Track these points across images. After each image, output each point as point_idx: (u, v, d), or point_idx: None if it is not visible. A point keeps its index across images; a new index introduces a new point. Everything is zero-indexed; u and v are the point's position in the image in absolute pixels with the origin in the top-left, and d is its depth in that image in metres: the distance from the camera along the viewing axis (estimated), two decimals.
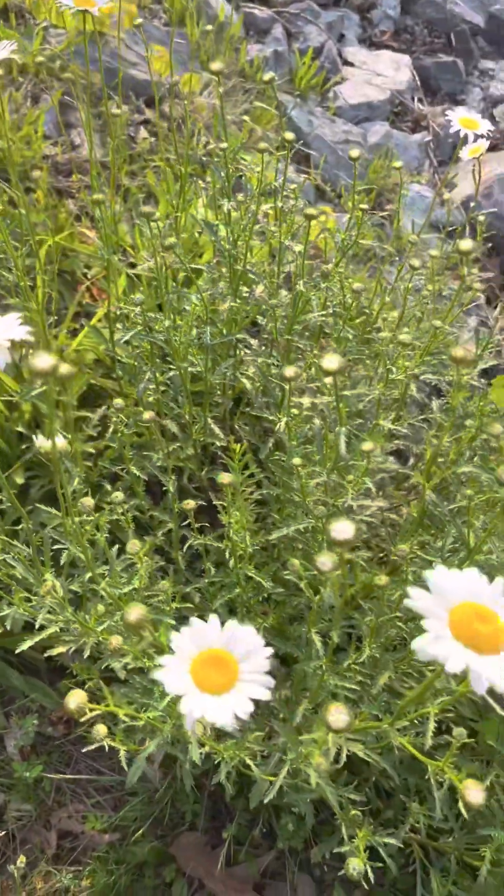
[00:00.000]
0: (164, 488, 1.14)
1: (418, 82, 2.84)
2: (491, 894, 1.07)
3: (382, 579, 0.85)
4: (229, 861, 1.32)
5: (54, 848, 1.27)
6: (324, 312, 1.35)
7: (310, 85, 2.38)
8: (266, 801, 0.89)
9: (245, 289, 1.40)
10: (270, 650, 0.54)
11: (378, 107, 2.53)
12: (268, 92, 2.33)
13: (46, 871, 1.23)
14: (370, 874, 0.81)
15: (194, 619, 0.55)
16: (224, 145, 1.08)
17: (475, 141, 1.29)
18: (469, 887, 1.09)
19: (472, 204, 2.52)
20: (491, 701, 0.65)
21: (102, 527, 0.80)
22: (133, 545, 0.76)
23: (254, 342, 1.58)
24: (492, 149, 2.87)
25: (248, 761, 0.93)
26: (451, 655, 0.49)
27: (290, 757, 0.77)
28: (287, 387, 0.91)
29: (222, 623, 0.56)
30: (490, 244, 2.43)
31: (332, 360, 0.74)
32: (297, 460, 0.89)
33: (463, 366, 0.76)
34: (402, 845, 1.21)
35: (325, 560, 0.68)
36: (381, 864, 0.92)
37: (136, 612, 0.55)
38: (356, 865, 0.75)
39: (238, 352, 1.37)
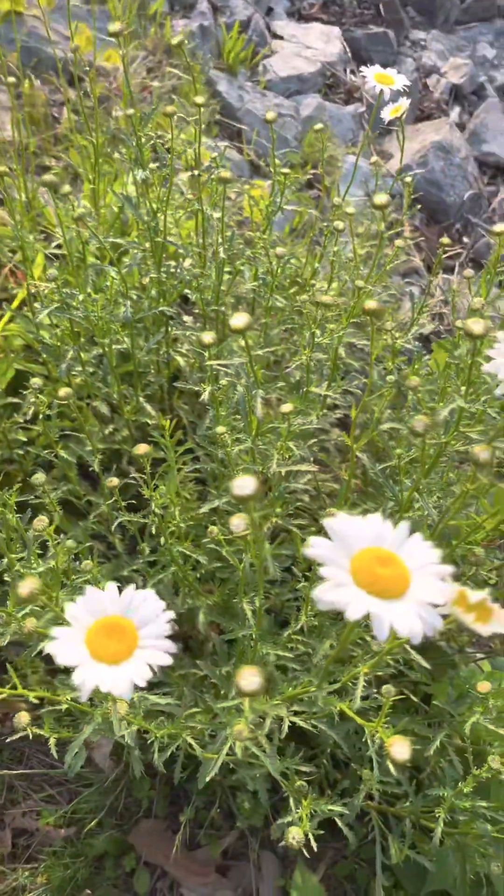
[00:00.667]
0: (115, 474, 1.11)
1: (349, 54, 2.81)
2: (446, 855, 1.06)
3: None
4: (191, 845, 1.30)
5: (9, 847, 1.24)
6: (255, 283, 1.33)
7: (238, 59, 2.34)
8: (208, 779, 0.86)
9: (173, 263, 1.36)
10: (171, 614, 0.52)
11: (309, 79, 2.50)
12: (195, 67, 2.29)
13: (1, 871, 1.19)
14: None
15: (89, 588, 0.52)
16: (131, 111, 1.05)
17: (392, 99, 1.26)
18: (428, 850, 1.08)
19: (413, 172, 2.51)
20: (413, 654, 0.63)
21: (10, 506, 0.77)
22: (40, 521, 0.73)
23: (188, 318, 1.55)
24: (426, 118, 2.86)
25: (190, 740, 0.91)
26: (352, 602, 0.47)
27: (229, 732, 0.75)
28: (207, 353, 0.88)
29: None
30: (422, 209, 2.42)
31: (238, 319, 0.71)
32: (220, 428, 0.86)
33: (375, 317, 0.74)
34: (360, 814, 1.20)
35: (237, 521, 0.65)
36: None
37: (27, 584, 0.52)
38: (296, 834, 0.73)
39: (169, 328, 1.34)
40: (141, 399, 1.22)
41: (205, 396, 0.92)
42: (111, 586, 0.52)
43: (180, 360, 1.32)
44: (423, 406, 0.75)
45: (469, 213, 2.46)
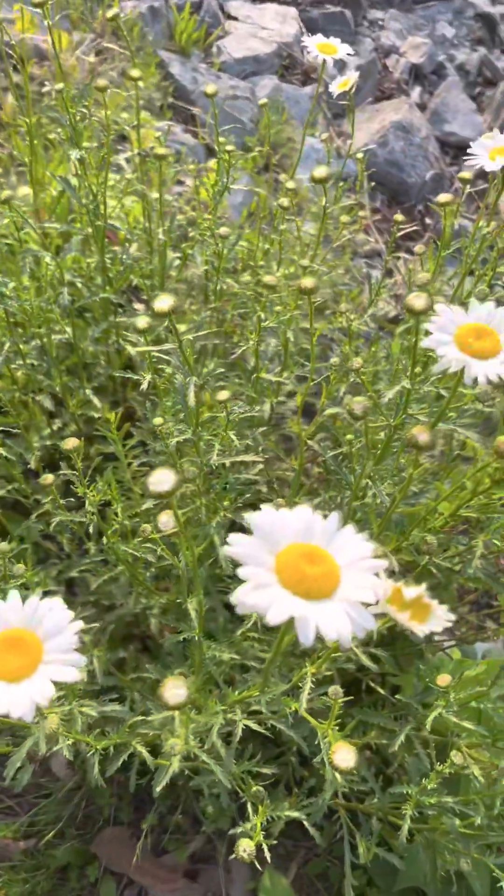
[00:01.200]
0: (59, 471, 1.06)
1: (306, 34, 2.75)
2: (417, 851, 1.03)
3: None
4: (158, 851, 1.26)
5: None
6: (205, 268, 1.28)
7: (191, 40, 2.28)
8: (159, 789, 0.82)
9: (119, 248, 1.31)
10: (79, 624, 0.47)
11: (265, 60, 2.44)
12: (146, 49, 2.22)
13: None
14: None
15: None
16: (60, 86, 0.99)
17: (337, 70, 1.22)
18: (398, 847, 1.04)
19: (368, 147, 2.46)
20: (360, 654, 0.59)
21: None
22: None
23: (140, 306, 1.49)
24: (387, 97, 2.82)
25: (140, 748, 0.86)
26: (273, 604, 0.43)
27: (182, 734, 0.70)
28: (143, 339, 0.83)
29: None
30: (383, 190, 2.38)
31: (163, 301, 0.66)
32: (157, 420, 0.81)
33: (311, 295, 0.70)
34: (330, 811, 1.17)
35: (165, 519, 0.61)
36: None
37: None
38: (246, 847, 0.69)
39: (118, 317, 1.28)
40: (88, 391, 1.17)
41: (144, 385, 0.87)
42: (13, 595, 0.48)
43: (130, 350, 1.26)
44: (368, 389, 0.70)
45: (431, 194, 2.42)
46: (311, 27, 2.78)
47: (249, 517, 0.47)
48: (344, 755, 0.55)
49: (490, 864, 0.89)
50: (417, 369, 0.74)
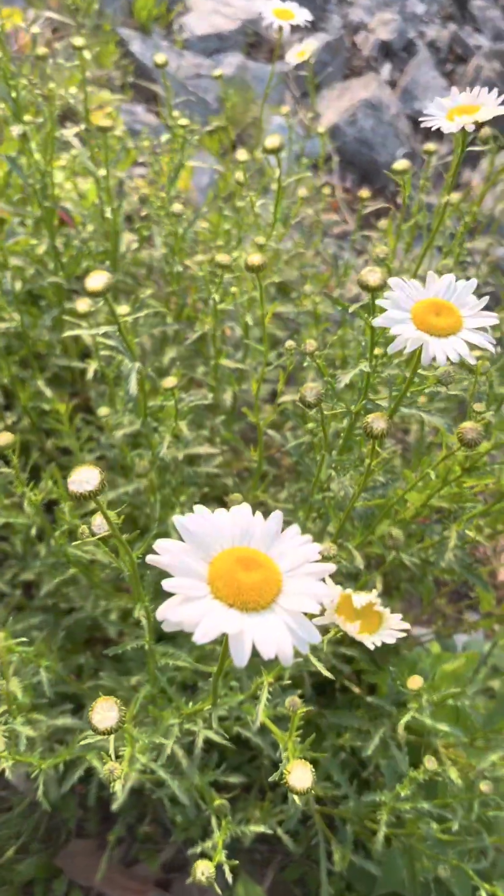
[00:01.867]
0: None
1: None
2: (395, 856, 0.98)
3: None
4: (129, 861, 1.21)
5: None
6: (165, 251, 1.21)
7: (151, 16, 2.20)
8: (114, 807, 0.77)
9: (73, 231, 1.24)
10: None
11: (229, 37, 2.36)
12: (105, 26, 2.14)
13: None
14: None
15: None
16: None
17: (294, 36, 1.15)
18: (375, 851, 1.00)
19: (335, 126, 2.40)
20: (320, 667, 0.54)
21: None
22: None
23: None
24: (356, 74, 2.75)
25: (95, 762, 0.81)
26: (203, 620, 0.37)
27: (127, 753, 0.65)
28: (84, 324, 0.77)
29: None
30: (354, 170, 2.32)
31: (96, 279, 0.60)
32: (103, 410, 0.75)
33: (257, 273, 0.64)
34: (306, 816, 1.12)
35: (100, 521, 0.55)
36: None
37: None
38: (203, 870, 0.64)
39: (72, 302, 1.22)
40: (40, 383, 1.10)
41: (90, 374, 0.81)
42: None
43: (85, 336, 1.20)
44: (324, 373, 0.64)
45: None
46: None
47: (178, 520, 0.41)
48: (300, 775, 0.50)
49: (469, 871, 0.84)
50: (378, 351, 0.68)
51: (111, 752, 0.52)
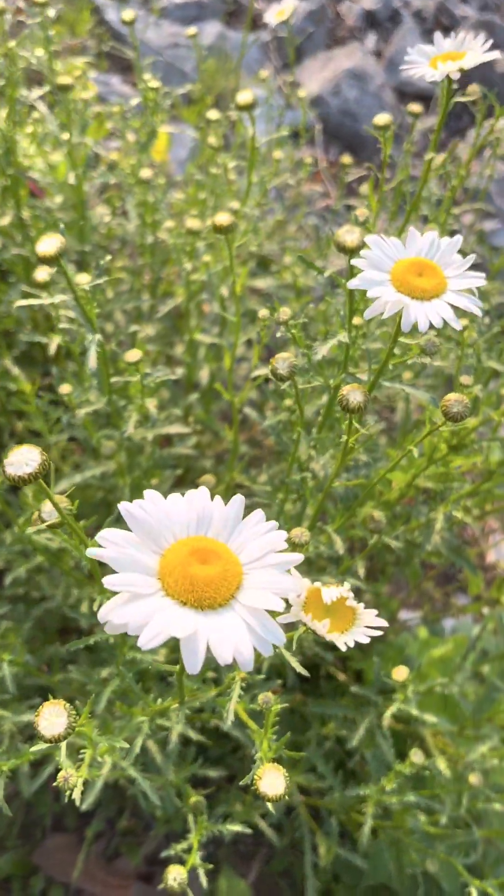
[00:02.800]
0: None
1: None
2: (382, 848, 0.95)
3: None
4: (111, 855, 1.17)
5: None
6: (138, 222, 1.16)
7: None
8: (84, 807, 0.73)
9: (42, 202, 1.18)
10: None
11: (208, 5, 2.29)
12: None
13: None
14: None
15: None
16: None
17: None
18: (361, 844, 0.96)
19: (318, 98, 2.33)
20: (288, 656, 0.49)
21: None
22: None
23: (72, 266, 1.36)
24: (340, 43, 2.68)
25: (64, 760, 0.76)
26: (151, 621, 0.33)
27: (87, 756, 0.60)
28: (44, 295, 0.72)
29: None
30: (338, 142, 2.25)
31: (47, 244, 0.55)
32: (64, 387, 0.70)
33: (226, 234, 0.59)
34: (291, 808, 1.09)
35: (50, 508, 0.50)
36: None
37: None
38: (176, 875, 0.60)
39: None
40: (7, 361, 1.05)
41: (52, 350, 0.76)
42: None
43: (52, 310, 1.14)
44: (300, 344, 0.60)
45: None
46: None
47: (123, 506, 0.37)
48: (271, 781, 0.46)
49: (458, 865, 0.81)
50: (358, 320, 0.63)
51: (62, 760, 0.48)
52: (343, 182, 1.17)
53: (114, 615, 0.33)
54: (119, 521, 0.46)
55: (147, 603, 0.34)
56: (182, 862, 0.68)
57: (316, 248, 1.66)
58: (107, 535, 0.36)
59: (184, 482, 1.10)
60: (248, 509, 0.69)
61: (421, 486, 0.87)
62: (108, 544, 0.36)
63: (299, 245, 1.57)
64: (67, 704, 0.42)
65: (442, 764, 0.86)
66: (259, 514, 0.39)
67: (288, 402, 0.75)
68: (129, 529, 0.37)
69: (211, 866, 0.66)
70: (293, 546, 0.47)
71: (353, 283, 0.48)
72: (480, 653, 1.15)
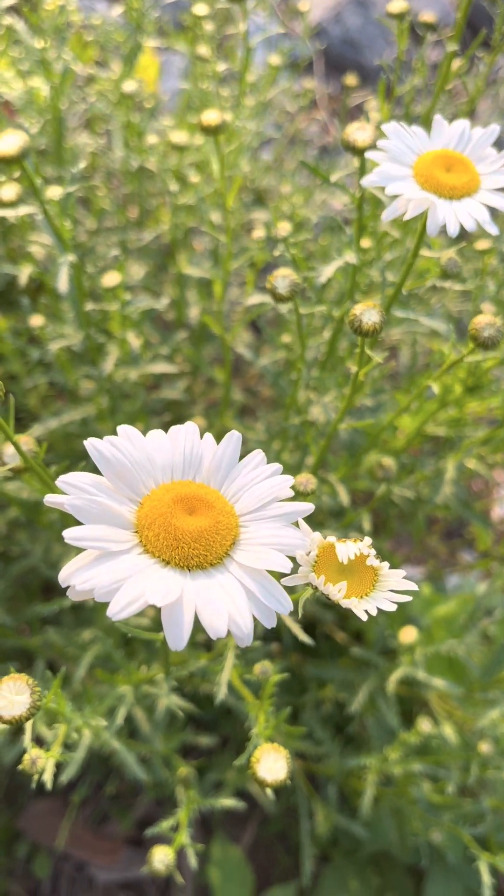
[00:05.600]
0: None
1: None
2: (377, 819, 0.90)
3: None
4: (101, 819, 1.13)
5: None
6: (122, 150, 1.06)
7: None
8: (66, 778, 0.67)
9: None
10: None
11: None
12: None
13: None
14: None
15: None
16: None
17: None
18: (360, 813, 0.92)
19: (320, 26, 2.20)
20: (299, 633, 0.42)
21: None
22: None
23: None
24: None
25: (44, 729, 0.71)
26: (126, 585, 0.26)
27: (62, 730, 0.54)
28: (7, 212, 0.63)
29: None
30: (339, 73, 2.13)
31: (7, 141, 0.47)
32: (34, 320, 0.62)
33: (214, 135, 0.50)
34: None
35: (12, 451, 0.43)
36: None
37: None
38: (162, 857, 0.54)
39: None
40: None
41: (24, 280, 0.68)
42: None
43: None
44: (302, 266, 0.52)
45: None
46: None
47: (90, 444, 0.29)
48: (270, 765, 0.40)
49: (466, 837, 0.76)
50: (367, 243, 0.55)
51: (27, 741, 0.42)
52: (346, 107, 1.07)
53: (76, 578, 0.26)
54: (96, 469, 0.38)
55: (119, 562, 0.27)
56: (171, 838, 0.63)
57: (314, 187, 1.56)
58: (70, 479, 0.28)
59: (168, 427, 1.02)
60: (244, 455, 0.60)
61: (430, 434, 0.80)
62: (72, 490, 0.28)
63: (298, 182, 1.48)
64: (31, 679, 0.35)
65: (449, 730, 0.81)
66: (258, 454, 0.32)
67: (286, 338, 0.67)
68: (101, 473, 0.30)
69: (201, 846, 0.60)
70: (298, 495, 0.40)
71: (369, 179, 0.40)
72: (486, 612, 1.09)
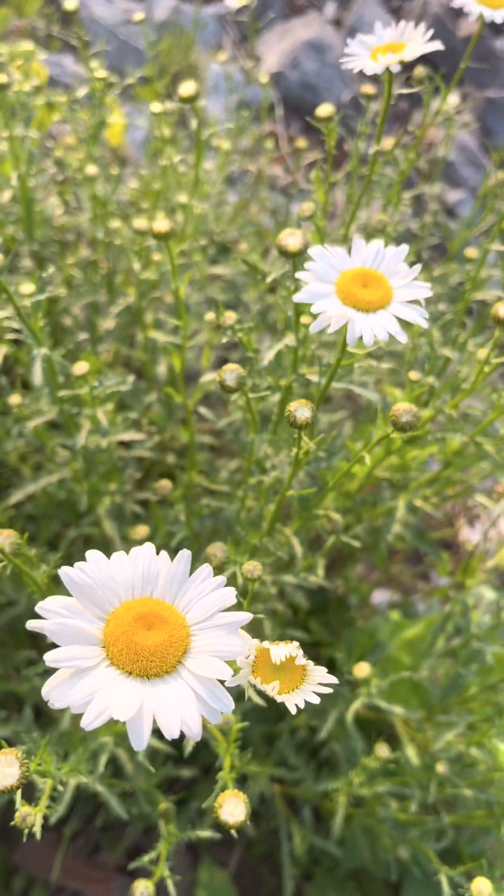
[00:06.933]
0: None
1: None
2: (351, 838, 0.96)
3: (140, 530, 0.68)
4: (93, 849, 1.18)
5: None
6: (90, 216, 1.13)
7: None
8: (54, 819, 0.73)
9: None
10: None
11: None
12: None
13: None
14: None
15: None
16: None
17: None
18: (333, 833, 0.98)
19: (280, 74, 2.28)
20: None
21: None
22: None
23: (28, 263, 1.34)
24: (299, 11, 2.62)
25: (36, 777, 0.76)
26: (93, 700, 0.32)
27: (48, 784, 0.60)
28: None
29: None
30: (298, 117, 2.22)
31: None
32: (13, 398, 0.68)
33: (165, 241, 0.57)
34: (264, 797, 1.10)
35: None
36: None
37: None
38: (143, 890, 0.60)
39: None
40: None
41: None
42: None
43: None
44: (248, 348, 0.59)
45: (349, 119, 2.26)
46: None
47: (64, 573, 0.36)
48: (231, 809, 0.46)
49: (429, 851, 0.82)
50: (307, 319, 0.62)
51: (18, 802, 0.47)
52: (298, 164, 1.15)
53: (53, 696, 0.32)
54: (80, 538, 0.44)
55: (90, 678, 0.33)
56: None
57: (278, 229, 1.64)
58: (47, 605, 0.35)
59: (150, 477, 1.09)
60: (209, 509, 0.67)
61: (380, 476, 0.87)
62: (49, 615, 0.35)
63: (263, 224, 1.55)
64: (19, 753, 0.41)
65: (411, 752, 0.87)
66: (206, 570, 0.38)
67: (242, 401, 0.74)
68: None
69: (179, 877, 0.66)
70: (247, 581, 0.47)
71: (299, 297, 0.47)
72: (452, 632, 1.16)
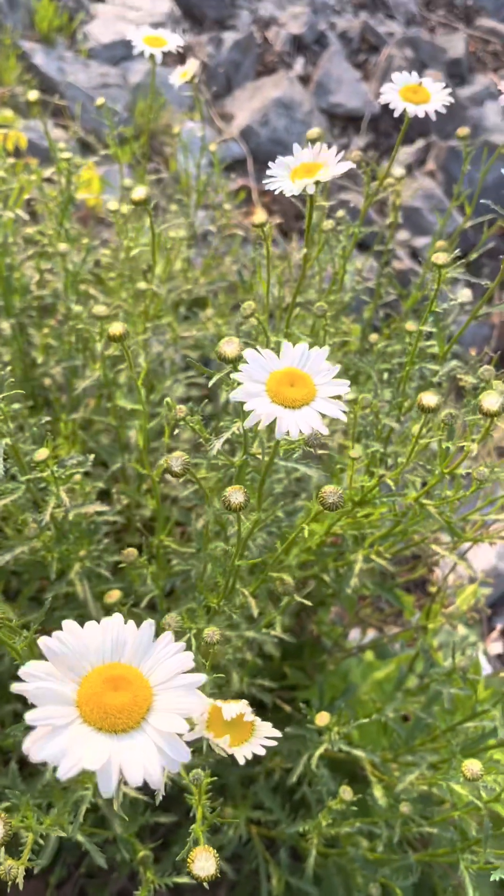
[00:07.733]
0: None
1: (180, 12, 2.64)
2: (326, 877, 1.00)
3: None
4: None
5: None
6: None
7: (53, 27, 2.16)
8: (38, 870, 0.77)
9: None
10: None
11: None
12: (5, 40, 2.09)
13: None
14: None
15: None
16: None
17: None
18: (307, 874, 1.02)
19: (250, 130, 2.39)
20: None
21: None
22: None
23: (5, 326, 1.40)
24: (270, 71, 2.74)
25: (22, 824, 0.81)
26: (67, 754, 0.37)
27: (29, 841, 0.65)
28: None
29: None
30: (266, 171, 2.31)
31: None
32: None
33: (120, 342, 0.63)
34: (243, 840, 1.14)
35: None
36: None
37: None
38: None
39: None
40: None
41: None
42: None
43: None
44: (202, 434, 0.65)
45: None
46: (186, 4, 2.68)
47: (43, 642, 0.41)
48: (202, 864, 0.51)
49: (397, 889, 0.87)
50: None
51: (1, 858, 0.52)
52: (270, 233, 1.22)
53: (32, 751, 0.38)
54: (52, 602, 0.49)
55: (64, 735, 0.38)
56: None
57: (247, 285, 1.72)
58: (29, 669, 0.41)
59: (125, 534, 1.14)
60: (176, 570, 0.73)
61: (337, 532, 0.92)
62: (30, 678, 0.40)
63: (234, 277, 1.62)
64: (2, 812, 0.46)
65: (378, 792, 0.92)
66: (167, 637, 0.44)
67: (202, 473, 0.80)
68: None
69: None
70: (208, 645, 0.53)
71: (234, 396, 0.53)
72: (422, 672, 1.21)
